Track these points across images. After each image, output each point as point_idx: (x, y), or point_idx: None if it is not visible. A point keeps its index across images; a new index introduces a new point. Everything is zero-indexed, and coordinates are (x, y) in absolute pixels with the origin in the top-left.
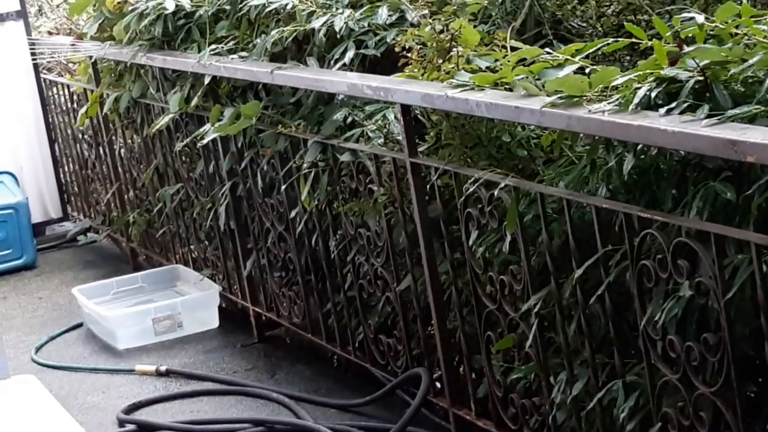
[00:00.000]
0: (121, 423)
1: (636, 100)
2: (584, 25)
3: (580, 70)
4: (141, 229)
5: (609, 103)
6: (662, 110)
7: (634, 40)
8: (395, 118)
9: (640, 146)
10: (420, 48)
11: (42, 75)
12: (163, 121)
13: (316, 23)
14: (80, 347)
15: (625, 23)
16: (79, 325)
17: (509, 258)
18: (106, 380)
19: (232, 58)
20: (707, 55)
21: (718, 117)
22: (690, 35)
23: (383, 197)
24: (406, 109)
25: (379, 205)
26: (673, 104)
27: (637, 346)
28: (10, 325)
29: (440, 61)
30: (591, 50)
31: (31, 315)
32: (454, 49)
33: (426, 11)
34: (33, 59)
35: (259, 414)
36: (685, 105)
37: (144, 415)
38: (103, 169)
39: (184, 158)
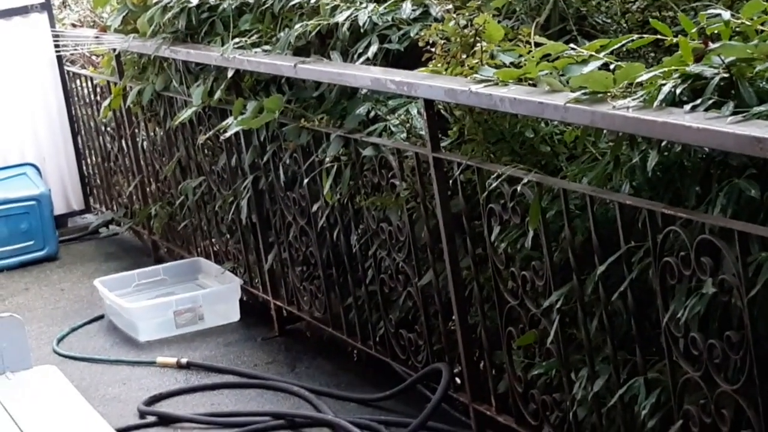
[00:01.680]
0: (142, 414)
1: (661, 97)
2: (609, 21)
3: (605, 67)
4: (163, 222)
5: (633, 100)
6: (687, 107)
7: (659, 36)
8: (418, 112)
9: (664, 143)
10: (444, 43)
11: (65, 67)
12: (185, 114)
13: (340, 17)
14: (102, 339)
15: (650, 19)
16: (101, 317)
17: (531, 254)
18: (127, 372)
19: (256, 52)
20: (733, 51)
21: (744, 114)
22: (715, 32)
23: (405, 192)
24: (429, 104)
25: (402, 199)
26: (698, 101)
27: (659, 343)
28: (32, 316)
29: (464, 56)
30: (616, 46)
31: (53, 306)
32: (478, 45)
33: (450, 6)
34: (57, 51)
35: (280, 407)
36: (710, 102)
37: (165, 407)
38: (126, 162)
39: (206, 151)
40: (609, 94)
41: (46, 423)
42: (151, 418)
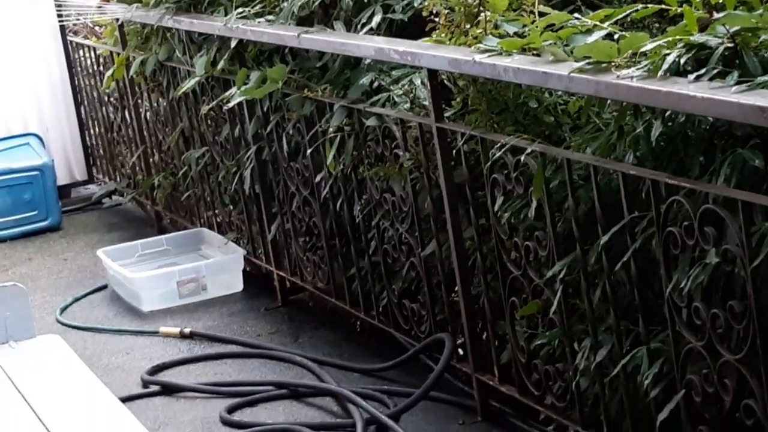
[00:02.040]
0: (145, 384)
1: (665, 66)
2: None
3: (609, 36)
4: (166, 193)
5: (637, 69)
6: (691, 76)
7: (663, 6)
8: (422, 83)
9: (668, 113)
10: (447, 13)
11: (68, 37)
12: (189, 85)
13: None
14: (105, 309)
15: None
16: (104, 287)
17: (535, 224)
18: (130, 342)
19: (259, 22)
20: (737, 21)
21: (748, 84)
22: (720, 1)
23: (409, 162)
24: (433, 74)
25: (405, 170)
26: (703, 71)
27: (662, 313)
28: (35, 286)
29: (468, 26)
30: (620, 16)
31: (56, 276)
32: (482, 14)
33: None
34: (60, 21)
35: (283, 377)
36: (715, 71)
37: (168, 376)
38: (129, 132)
39: (209, 122)
40: (613, 63)
41: (49, 392)
42: (154, 388)
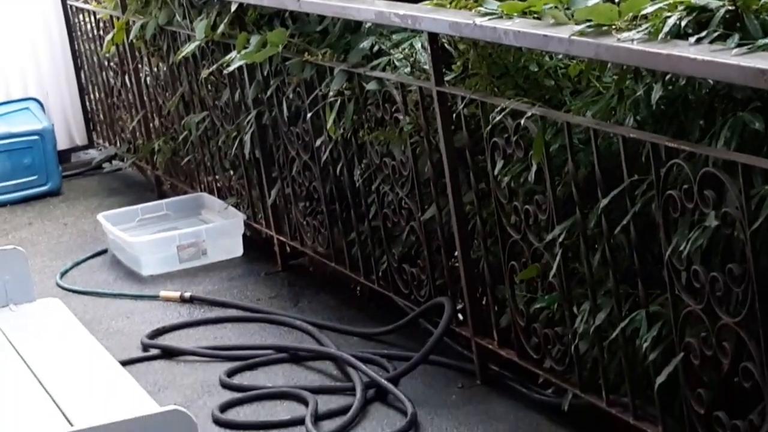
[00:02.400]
0: (145, 347)
1: (665, 29)
2: None
3: None
4: (166, 157)
5: (638, 32)
6: (692, 39)
7: None
8: (422, 47)
9: (668, 76)
10: None
11: (68, 2)
12: (189, 49)
13: None
14: (105, 273)
15: None
16: (104, 252)
17: (534, 188)
18: (130, 306)
19: None
20: None
21: (749, 46)
22: None
23: (409, 126)
24: (433, 38)
25: (405, 134)
26: (703, 33)
27: (661, 277)
28: (35, 251)
29: None
30: None
31: (56, 241)
32: None
33: None
34: None
35: (282, 341)
36: (716, 34)
37: (168, 340)
38: (129, 97)
39: (209, 86)
40: (614, 26)
41: (49, 355)
42: (154, 351)
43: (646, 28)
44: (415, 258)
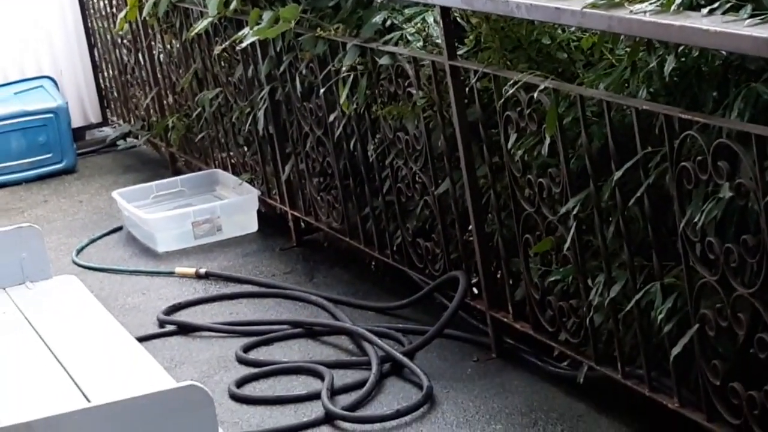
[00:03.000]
0: (161, 323)
1: (678, 1)
2: None
3: None
4: (180, 134)
5: (651, 4)
6: (704, 10)
7: None
8: (434, 21)
9: (681, 47)
10: None
11: None
12: (201, 25)
13: None
14: (120, 250)
15: None
16: (119, 228)
17: (548, 161)
18: (146, 282)
19: None
20: None
21: (762, 17)
22: None
23: (422, 101)
24: (445, 12)
25: (418, 108)
26: (716, 4)
27: (676, 249)
28: (51, 228)
29: None
30: None
31: (71, 218)
32: None
33: None
34: None
35: (298, 316)
36: (728, 5)
37: (184, 316)
38: (143, 74)
39: (222, 63)
40: None
41: (66, 331)
42: (170, 327)
43: (659, 0)
44: (430, 232)
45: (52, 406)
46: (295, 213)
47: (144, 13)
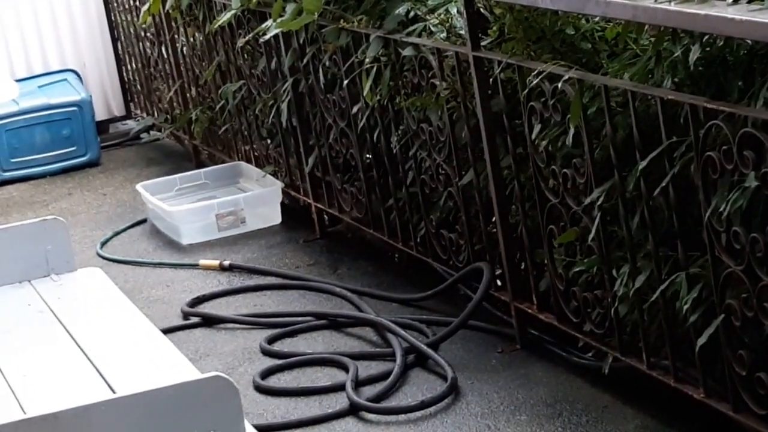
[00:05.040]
0: (186, 315)
1: None
2: None
3: None
4: (203, 127)
5: None
6: None
7: None
8: (458, 12)
9: (706, 37)
10: None
11: None
12: (225, 18)
13: None
14: (144, 242)
15: None
16: (143, 221)
17: (572, 151)
18: (170, 274)
19: None
20: None
21: None
22: None
23: (446, 92)
24: (469, 3)
25: (442, 99)
26: None
27: (701, 238)
28: (75, 221)
29: None
30: None
31: (96, 211)
32: None
33: None
34: None
35: (322, 308)
36: None
37: (208, 308)
38: (166, 67)
39: (246, 55)
40: None
41: (91, 323)
42: (194, 319)
43: None
44: (453, 223)
45: (79, 397)
46: (319, 205)
47: (167, 6)
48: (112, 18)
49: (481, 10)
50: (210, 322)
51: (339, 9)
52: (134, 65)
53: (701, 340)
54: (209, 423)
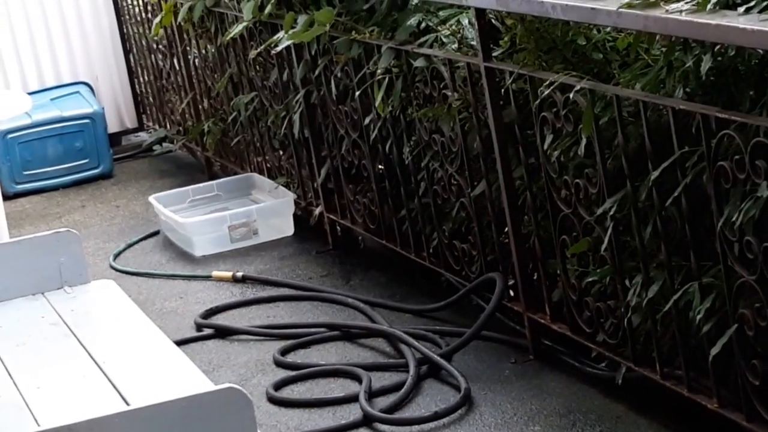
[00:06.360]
0: (199, 327)
1: None
2: None
3: None
4: (216, 138)
5: (686, 3)
6: (741, 9)
7: None
8: (469, 23)
9: (717, 47)
10: None
11: None
12: (236, 30)
13: None
14: (157, 254)
15: None
16: (156, 233)
17: (584, 161)
18: (183, 286)
19: None
20: None
21: None
22: None
23: (457, 102)
24: (480, 13)
25: (454, 110)
26: (752, 2)
27: (714, 248)
28: (88, 233)
29: None
30: None
31: (108, 223)
32: None
33: None
34: None
35: (335, 319)
36: (765, 3)
37: (221, 319)
38: (178, 79)
39: (258, 67)
40: None
41: (105, 335)
42: (207, 331)
43: None
44: (466, 234)
45: (93, 409)
46: (331, 216)
47: (179, 18)
48: (124, 30)
49: (493, 20)
50: (223, 333)
51: (350, 20)
52: (146, 77)
53: (714, 350)
54: None
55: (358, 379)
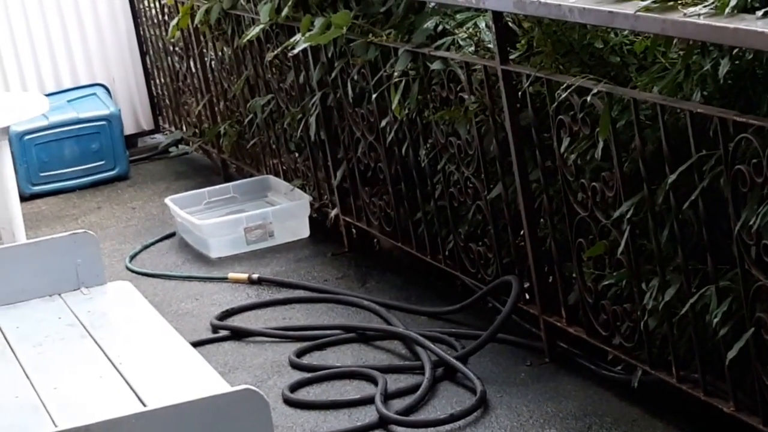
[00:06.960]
0: (215, 329)
1: (732, 3)
2: None
3: None
4: (232, 141)
5: (704, 6)
6: (759, 12)
7: None
8: (486, 25)
9: (735, 50)
10: None
11: None
12: (253, 32)
13: None
14: (173, 256)
15: None
16: (172, 235)
17: (601, 165)
18: (199, 288)
19: None
20: None
21: None
22: None
23: (474, 105)
24: (497, 16)
25: (470, 113)
26: None
27: (731, 252)
28: (104, 235)
29: None
30: None
31: (125, 224)
32: None
33: None
34: None
35: (350, 321)
36: None
37: (237, 321)
38: (194, 81)
39: (274, 69)
40: (679, 1)
41: (121, 336)
42: (223, 332)
43: (713, 2)
44: (482, 237)
45: (109, 409)
46: (347, 218)
47: (196, 21)
48: (141, 32)
49: (510, 24)
50: (239, 335)
51: (367, 23)
52: (163, 79)
53: (731, 354)
54: None
55: (373, 381)
